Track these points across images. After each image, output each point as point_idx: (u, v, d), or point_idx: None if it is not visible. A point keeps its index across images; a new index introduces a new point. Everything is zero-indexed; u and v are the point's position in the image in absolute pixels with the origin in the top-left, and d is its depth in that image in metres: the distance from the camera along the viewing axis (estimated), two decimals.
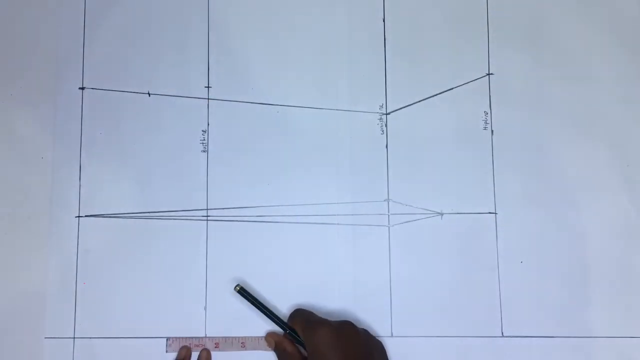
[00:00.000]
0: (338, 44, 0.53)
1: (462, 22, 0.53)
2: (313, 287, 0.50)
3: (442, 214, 0.51)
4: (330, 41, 0.53)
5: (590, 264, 0.50)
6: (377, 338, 0.47)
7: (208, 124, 0.52)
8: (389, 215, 0.51)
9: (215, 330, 0.49)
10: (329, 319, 0.46)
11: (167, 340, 0.49)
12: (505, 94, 0.52)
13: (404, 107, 0.52)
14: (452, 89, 0.52)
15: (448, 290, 0.50)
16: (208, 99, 0.52)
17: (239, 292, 0.48)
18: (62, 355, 0.49)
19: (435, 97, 0.52)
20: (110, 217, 0.50)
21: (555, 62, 0.52)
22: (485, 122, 0.52)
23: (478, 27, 0.53)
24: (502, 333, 0.49)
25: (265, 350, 0.49)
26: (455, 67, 0.52)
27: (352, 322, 0.45)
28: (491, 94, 0.52)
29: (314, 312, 0.47)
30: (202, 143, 0.51)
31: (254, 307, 0.48)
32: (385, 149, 0.51)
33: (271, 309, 0.48)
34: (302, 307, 0.48)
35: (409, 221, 0.50)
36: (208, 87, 0.52)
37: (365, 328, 0.47)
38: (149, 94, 0.52)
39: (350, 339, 0.44)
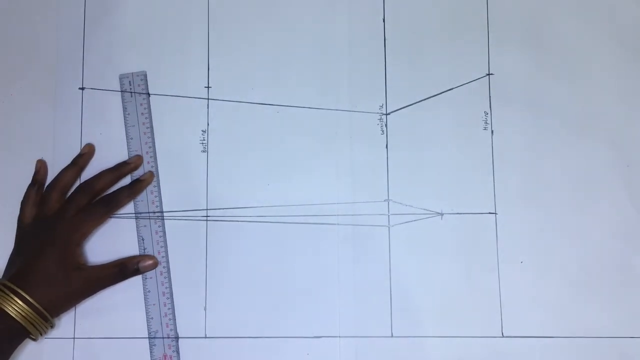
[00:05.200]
0: (338, 44, 0.53)
1: (462, 22, 0.53)
2: (313, 287, 0.50)
3: (442, 214, 0.51)
4: (330, 41, 0.53)
5: (590, 264, 0.50)
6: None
7: (208, 124, 0.52)
8: (389, 215, 0.51)
9: (216, 330, 0.49)
10: None
11: None
12: (505, 94, 0.52)
13: (404, 107, 0.52)
14: (452, 89, 0.52)
15: (448, 290, 0.50)
16: (208, 99, 0.52)
17: None
18: (62, 355, 0.49)
19: (435, 97, 0.52)
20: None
21: (555, 62, 0.52)
22: (485, 122, 0.52)
23: (478, 27, 0.53)
24: (502, 333, 0.49)
25: None
26: (455, 67, 0.52)
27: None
28: (491, 94, 0.52)
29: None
30: (202, 143, 0.51)
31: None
32: (385, 149, 0.51)
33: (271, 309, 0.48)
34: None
35: (409, 221, 0.50)
36: (208, 87, 0.52)
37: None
38: (148, 94, 0.52)
39: None
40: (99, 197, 0.49)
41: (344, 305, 0.49)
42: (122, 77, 0.52)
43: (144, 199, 0.50)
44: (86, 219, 0.48)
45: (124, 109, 0.52)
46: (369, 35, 0.53)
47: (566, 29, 0.53)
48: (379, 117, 0.52)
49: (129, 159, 0.51)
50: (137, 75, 0.52)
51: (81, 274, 0.47)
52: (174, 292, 0.50)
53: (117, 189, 0.50)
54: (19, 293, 0.44)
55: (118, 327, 0.49)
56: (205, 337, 0.49)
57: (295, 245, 0.50)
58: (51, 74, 0.52)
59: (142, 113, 0.51)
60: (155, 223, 0.50)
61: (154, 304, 0.49)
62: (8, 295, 0.44)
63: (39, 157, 0.51)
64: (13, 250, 0.48)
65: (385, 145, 0.51)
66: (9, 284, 0.44)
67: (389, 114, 0.52)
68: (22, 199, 0.49)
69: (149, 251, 0.50)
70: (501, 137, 0.51)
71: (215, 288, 0.50)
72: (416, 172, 0.51)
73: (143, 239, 0.50)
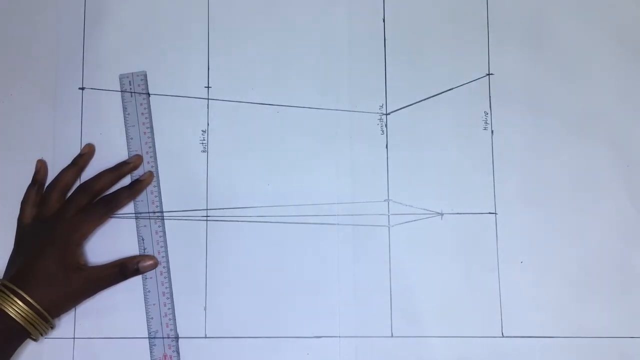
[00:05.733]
0: (338, 44, 0.53)
1: (462, 22, 0.53)
2: (313, 287, 0.50)
3: (442, 214, 0.51)
4: (330, 41, 0.53)
5: (590, 264, 0.50)
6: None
7: (208, 124, 0.52)
8: (389, 215, 0.51)
9: (216, 330, 0.49)
10: None
11: None
12: (505, 94, 0.52)
13: (404, 107, 0.52)
14: (452, 89, 0.52)
15: (448, 290, 0.50)
16: (208, 99, 0.52)
17: None
18: (62, 355, 0.49)
19: (435, 97, 0.52)
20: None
21: (555, 62, 0.52)
22: (485, 122, 0.52)
23: (478, 27, 0.53)
24: (502, 333, 0.49)
25: None
26: (455, 67, 0.52)
27: None
28: (491, 94, 0.52)
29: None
30: (202, 143, 0.51)
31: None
32: (385, 149, 0.51)
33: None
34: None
35: (409, 221, 0.50)
36: (208, 87, 0.52)
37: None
38: (148, 94, 0.52)
39: None
40: (99, 197, 0.49)
41: (344, 305, 0.49)
42: (122, 77, 0.52)
43: (144, 199, 0.50)
44: (86, 219, 0.48)
45: (124, 109, 0.52)
46: (369, 35, 0.53)
47: (566, 29, 0.53)
48: (379, 117, 0.52)
49: (129, 158, 0.51)
50: (137, 75, 0.52)
51: (81, 274, 0.47)
52: (174, 292, 0.50)
53: (117, 190, 0.50)
54: (19, 293, 0.44)
55: (118, 327, 0.49)
56: (205, 337, 0.49)
57: (295, 245, 0.50)
58: (51, 74, 0.52)
59: (142, 113, 0.51)
60: (155, 223, 0.50)
61: (154, 304, 0.49)
62: (8, 295, 0.44)
63: (39, 157, 0.51)
64: (13, 250, 0.48)
65: (385, 145, 0.51)
66: (9, 285, 0.44)
67: (389, 114, 0.52)
68: (22, 199, 0.49)
69: (148, 251, 0.50)
70: (501, 137, 0.51)
71: (215, 288, 0.50)
72: (416, 172, 0.51)
73: (143, 239, 0.50)
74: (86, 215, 0.48)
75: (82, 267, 0.47)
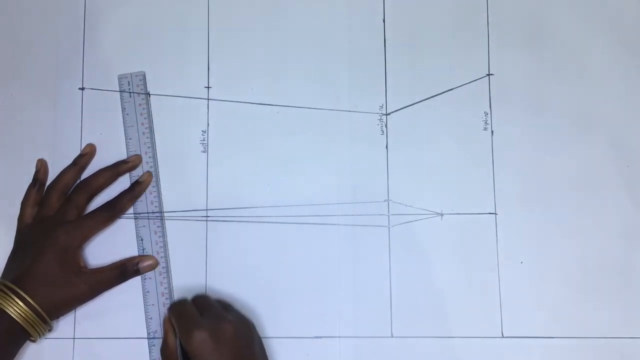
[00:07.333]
0: (338, 44, 0.53)
1: (462, 22, 0.53)
2: (313, 288, 0.50)
3: (442, 214, 0.50)
4: (330, 41, 0.53)
5: (590, 263, 0.50)
6: (257, 333, 0.47)
7: (208, 124, 0.52)
8: (389, 216, 0.50)
9: None
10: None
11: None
12: (505, 94, 0.52)
13: (404, 107, 0.52)
14: (452, 89, 0.52)
15: (448, 290, 0.50)
16: (208, 99, 0.52)
17: None
18: (62, 355, 0.49)
19: (435, 97, 0.52)
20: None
21: (555, 62, 0.52)
22: (485, 122, 0.52)
23: (478, 27, 0.53)
24: (502, 333, 0.49)
25: None
26: (455, 67, 0.52)
27: (238, 318, 0.45)
28: (491, 94, 0.52)
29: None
30: (202, 143, 0.51)
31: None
32: (385, 149, 0.51)
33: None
34: (186, 300, 0.48)
35: (409, 221, 0.50)
36: (208, 87, 0.52)
37: (251, 322, 0.47)
38: (148, 94, 0.52)
39: (227, 343, 0.43)
40: (103, 203, 0.49)
41: (344, 305, 0.49)
42: (120, 78, 0.52)
43: (143, 199, 0.50)
44: (88, 223, 0.47)
45: (123, 109, 0.52)
46: (369, 35, 0.53)
47: (566, 29, 0.53)
48: (379, 117, 0.52)
49: (128, 158, 0.51)
50: (136, 76, 0.52)
51: (81, 277, 0.46)
52: (174, 292, 0.50)
53: (119, 194, 0.50)
54: (20, 294, 0.44)
55: (118, 327, 0.49)
56: None
57: (295, 245, 0.50)
58: (51, 74, 0.52)
59: (140, 113, 0.51)
60: (154, 223, 0.50)
61: (152, 304, 0.49)
62: (9, 296, 0.44)
63: (39, 157, 0.51)
64: (12, 250, 0.48)
65: (385, 145, 0.51)
66: (11, 285, 0.44)
67: (389, 114, 0.52)
68: (22, 199, 0.49)
69: (147, 251, 0.50)
70: (501, 137, 0.51)
71: (215, 288, 0.50)
72: (416, 172, 0.51)
73: (142, 239, 0.50)
74: (89, 219, 0.48)
75: (82, 270, 0.47)
